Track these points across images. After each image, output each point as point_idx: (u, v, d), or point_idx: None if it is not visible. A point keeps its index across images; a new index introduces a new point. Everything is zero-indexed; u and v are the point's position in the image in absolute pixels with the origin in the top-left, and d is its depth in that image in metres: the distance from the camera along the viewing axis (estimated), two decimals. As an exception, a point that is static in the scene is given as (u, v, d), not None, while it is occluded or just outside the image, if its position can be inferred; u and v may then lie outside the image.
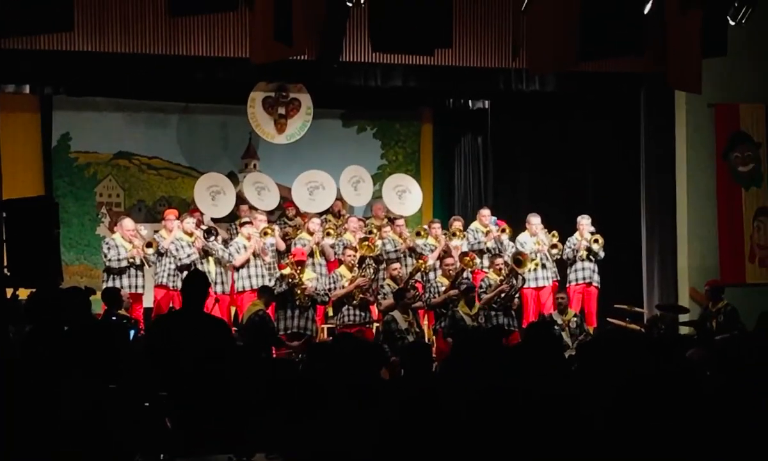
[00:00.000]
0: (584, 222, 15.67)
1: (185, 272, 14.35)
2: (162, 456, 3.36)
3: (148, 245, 14.45)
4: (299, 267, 13.92)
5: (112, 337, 6.78)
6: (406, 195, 17.61)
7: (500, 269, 14.72)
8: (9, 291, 11.53)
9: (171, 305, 14.42)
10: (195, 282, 7.82)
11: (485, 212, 16.21)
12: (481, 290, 14.51)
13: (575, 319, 14.38)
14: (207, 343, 7.20)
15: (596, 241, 15.43)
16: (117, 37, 14.16)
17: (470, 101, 18.43)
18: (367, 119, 18.64)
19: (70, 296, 8.41)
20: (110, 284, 14.02)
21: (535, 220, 15.65)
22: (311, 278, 14.14)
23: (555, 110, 17.26)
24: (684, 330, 14.59)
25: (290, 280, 13.78)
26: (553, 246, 15.53)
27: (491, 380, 6.75)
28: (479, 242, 15.68)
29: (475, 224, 16.01)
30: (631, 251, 16.57)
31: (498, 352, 9.26)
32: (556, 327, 13.62)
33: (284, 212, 17.18)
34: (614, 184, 17.13)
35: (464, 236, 15.72)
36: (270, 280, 14.46)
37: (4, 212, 11.60)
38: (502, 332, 12.94)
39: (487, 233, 15.76)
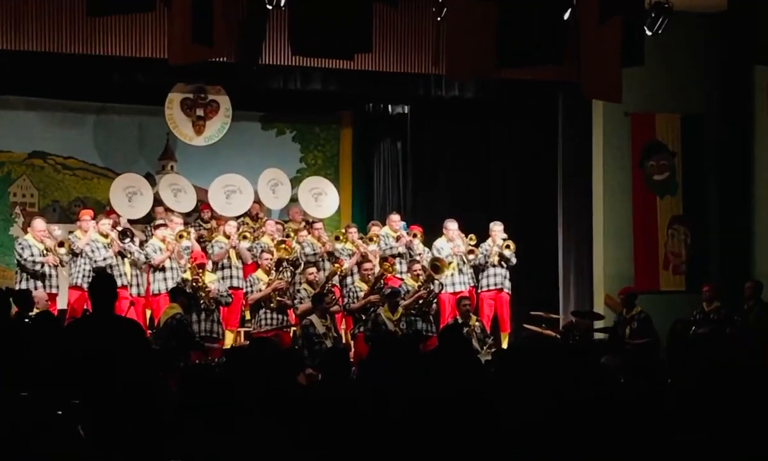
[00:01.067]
0: (496, 228, 15.72)
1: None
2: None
3: (60, 244, 14.27)
4: (200, 270, 13.89)
5: (25, 342, 6.70)
6: (322, 198, 17.60)
7: (418, 275, 14.75)
8: None
9: (85, 307, 14.24)
10: (102, 285, 7.68)
11: (395, 217, 16.26)
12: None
13: (478, 324, 14.42)
14: (120, 347, 7.10)
15: (508, 246, 15.51)
16: (33, 35, 13.93)
17: (390, 106, 18.46)
18: (286, 122, 18.56)
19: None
20: (24, 285, 13.82)
21: (452, 225, 15.71)
22: (213, 281, 14.10)
23: (474, 117, 17.36)
24: (599, 337, 14.73)
25: (193, 284, 13.74)
26: (470, 252, 15.59)
27: (407, 384, 6.77)
28: (390, 247, 15.68)
29: (385, 230, 16.02)
30: (548, 258, 16.70)
31: (414, 357, 9.31)
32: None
33: (200, 215, 17.06)
34: (532, 190, 17.29)
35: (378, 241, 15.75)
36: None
37: None
38: (419, 338, 12.97)
39: (398, 239, 15.77)
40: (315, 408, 6.41)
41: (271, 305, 14.10)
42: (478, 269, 15.75)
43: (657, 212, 16.32)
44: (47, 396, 4.01)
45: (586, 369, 8.10)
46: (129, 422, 6.14)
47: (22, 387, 4.85)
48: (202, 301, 13.68)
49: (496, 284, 15.62)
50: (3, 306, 8.11)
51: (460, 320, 14.05)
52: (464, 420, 5.96)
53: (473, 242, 15.65)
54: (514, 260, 15.59)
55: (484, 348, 13.77)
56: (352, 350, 13.92)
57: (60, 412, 3.59)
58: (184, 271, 14.68)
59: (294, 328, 14.40)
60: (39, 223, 14.47)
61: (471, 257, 15.60)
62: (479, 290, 15.67)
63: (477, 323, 14.33)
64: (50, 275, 14.22)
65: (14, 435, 3.66)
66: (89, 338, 7.15)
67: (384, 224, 16.22)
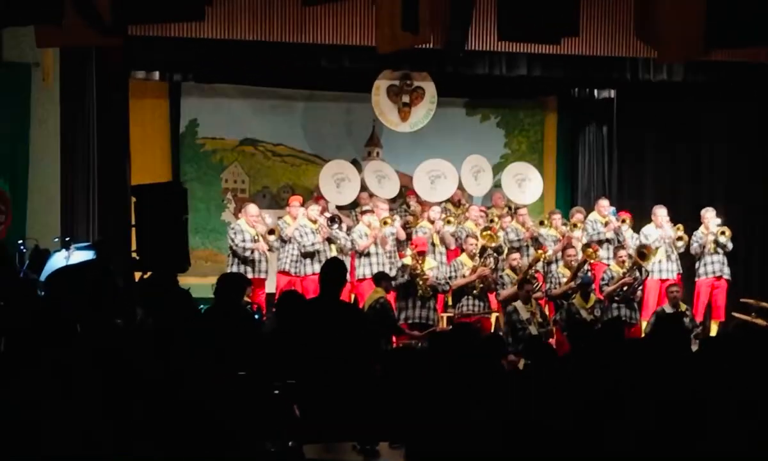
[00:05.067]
0: (708, 215, 15.41)
1: (308, 259, 14.52)
2: (290, 443, 3.42)
3: (271, 231, 14.59)
4: (420, 257, 13.91)
5: (243, 324, 6.92)
6: (526, 183, 17.53)
7: (623, 262, 14.55)
8: (137, 275, 11.82)
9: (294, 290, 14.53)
10: (334, 269, 7.87)
11: (604, 202, 16.06)
12: (603, 283, 14.37)
13: (688, 312, 14.14)
14: (344, 330, 7.27)
15: (723, 233, 15.16)
16: (246, 25, 14.36)
17: (596, 90, 18.23)
18: (491, 108, 18.57)
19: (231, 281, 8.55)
20: (235, 269, 14.17)
21: (660, 212, 15.43)
22: (432, 268, 14.10)
23: (683, 100, 17.00)
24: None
25: (412, 270, 13.78)
26: (679, 239, 15.28)
27: (614, 375, 6.68)
28: (598, 233, 15.52)
29: (593, 215, 15.86)
30: (761, 243, 16.25)
31: (620, 345, 9.18)
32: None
33: (405, 201, 17.22)
34: (742, 175, 16.83)
35: (584, 227, 15.59)
36: (390, 269, 14.49)
37: (134, 197, 11.88)
38: (621, 325, 12.79)
39: (606, 224, 15.59)
40: (516, 394, 6.42)
41: (474, 291, 14.11)
42: (692, 257, 15.44)
43: None
44: (265, 375, 4.16)
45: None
46: (341, 402, 6.31)
47: (240, 366, 5.05)
48: (419, 288, 13.73)
49: (714, 272, 15.29)
50: (238, 289, 8.39)
51: (666, 308, 13.81)
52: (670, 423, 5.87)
53: (681, 231, 15.34)
54: (730, 246, 15.23)
55: (692, 336, 13.49)
56: (554, 337, 13.85)
57: (277, 391, 3.71)
58: (389, 256, 14.84)
59: (496, 314, 14.40)
60: (252, 208, 14.81)
61: (680, 244, 15.29)
62: (696, 278, 15.37)
63: (687, 313, 14.05)
64: (259, 261, 14.55)
65: (233, 414, 3.81)
66: (313, 318, 7.34)
67: (587, 211, 16.06)
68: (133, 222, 11.82)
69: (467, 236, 14.74)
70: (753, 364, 6.90)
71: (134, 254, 11.49)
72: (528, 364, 9.69)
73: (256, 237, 14.42)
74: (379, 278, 13.66)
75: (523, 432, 5.60)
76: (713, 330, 15.04)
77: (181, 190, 11.95)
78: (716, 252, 15.28)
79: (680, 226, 15.38)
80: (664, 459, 5.31)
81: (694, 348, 11.42)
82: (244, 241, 14.34)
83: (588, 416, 5.84)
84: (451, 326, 13.90)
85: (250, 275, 14.01)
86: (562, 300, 14.22)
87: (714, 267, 15.30)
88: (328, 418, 6.27)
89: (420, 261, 13.79)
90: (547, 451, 5.43)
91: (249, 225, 14.52)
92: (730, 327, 14.53)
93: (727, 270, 15.33)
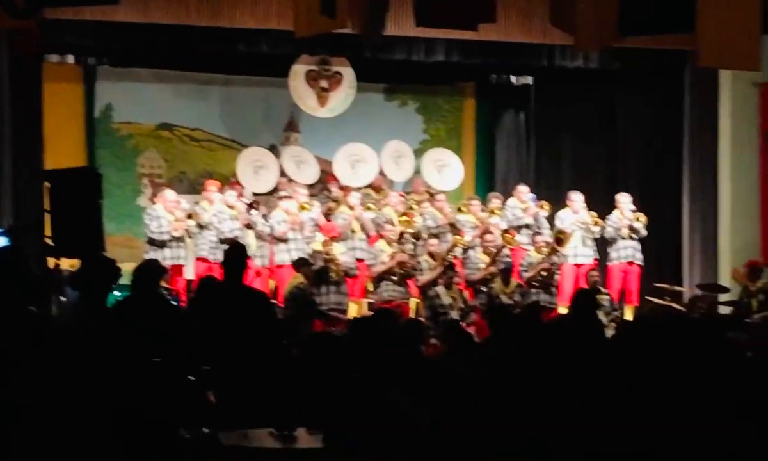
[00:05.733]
0: (623, 200, 15.55)
1: (226, 246, 14.42)
2: (205, 429, 3.38)
3: (188, 216, 14.48)
4: (331, 242, 13.94)
5: (159, 311, 6.86)
6: (446, 170, 17.54)
7: (542, 248, 14.68)
8: (52, 262, 11.66)
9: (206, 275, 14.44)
10: (235, 254, 7.84)
11: (523, 188, 16.14)
12: (523, 269, 14.49)
13: (606, 297, 14.30)
14: (248, 315, 7.24)
15: (638, 219, 15.31)
16: (162, 8, 14.23)
17: (513, 77, 18.33)
18: (409, 94, 18.57)
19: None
20: (152, 255, 14.03)
21: (576, 197, 15.56)
22: (343, 253, 14.16)
23: (599, 87, 17.17)
24: (725, 310, 14.50)
25: (324, 256, 13.80)
26: (595, 223, 15.38)
27: (533, 358, 6.73)
28: (518, 218, 15.61)
29: (512, 201, 15.93)
30: (673, 230, 16.47)
31: (538, 329, 9.25)
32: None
33: (326, 187, 17.16)
34: (657, 162, 17.03)
35: (502, 213, 15.66)
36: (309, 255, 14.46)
37: (48, 182, 11.70)
38: (540, 310, 12.92)
39: (525, 210, 15.69)
40: (440, 380, 6.43)
41: (394, 277, 14.13)
42: (606, 242, 15.58)
43: (785, 184, 15.94)
44: (179, 362, 4.12)
45: (711, 343, 7.97)
46: (256, 388, 6.28)
47: (155, 354, 5.01)
48: (332, 273, 13.73)
49: (627, 257, 15.41)
50: (154, 276, 8.30)
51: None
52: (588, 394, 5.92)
53: (595, 216, 15.45)
54: (644, 232, 15.37)
55: (610, 321, 13.67)
56: (475, 322, 13.93)
57: (192, 378, 3.67)
58: (308, 242, 14.80)
59: (415, 300, 14.44)
60: (170, 193, 14.69)
61: (595, 229, 15.41)
62: (608, 262, 15.51)
63: (605, 297, 14.21)
64: (177, 247, 14.44)
65: (146, 400, 3.77)
66: (219, 304, 7.31)
67: (505, 197, 16.13)
68: (47, 208, 11.65)
69: (385, 222, 14.77)
70: (672, 347, 6.99)
71: (48, 240, 11.34)
72: (446, 349, 9.74)
73: (174, 226, 14.31)
74: (300, 264, 13.64)
75: (437, 417, 5.61)
76: (628, 315, 15.19)
77: (95, 175, 11.84)
78: (630, 238, 15.43)
79: (594, 213, 15.47)
80: (584, 442, 5.34)
81: (612, 332, 11.63)
82: (160, 226, 14.22)
83: (507, 400, 5.86)
84: (371, 312, 13.92)
85: (168, 262, 13.89)
86: (482, 286, 14.30)
87: (627, 252, 15.44)
88: (245, 405, 6.25)
89: (331, 246, 13.83)
90: (465, 436, 5.44)
91: (167, 211, 14.39)
92: (646, 311, 14.76)
93: (639, 256, 15.46)
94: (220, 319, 7.16)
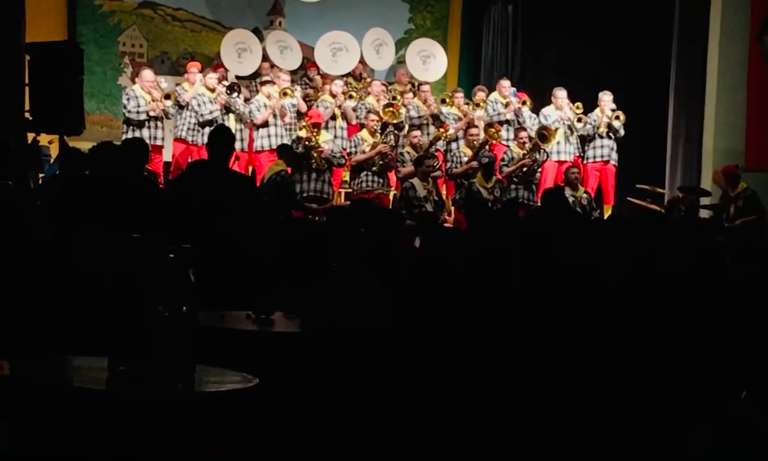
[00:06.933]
0: (605, 98, 15.42)
1: (206, 128, 14.33)
2: (184, 308, 3.36)
3: (167, 96, 14.35)
4: (315, 129, 13.82)
5: (141, 189, 6.80)
6: (431, 60, 17.40)
7: (524, 143, 14.61)
8: (30, 136, 11.55)
9: (190, 160, 14.39)
10: (221, 137, 7.77)
11: (505, 83, 15.99)
12: (503, 163, 14.43)
13: (586, 195, 14.26)
14: (233, 198, 7.21)
15: (617, 118, 15.21)
16: None
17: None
18: (396, -19, 18.40)
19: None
20: (130, 135, 13.92)
21: (561, 93, 15.44)
22: (327, 141, 14.05)
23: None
24: (705, 214, 14.53)
25: (307, 142, 13.70)
26: (579, 119, 15.29)
27: (507, 249, 6.72)
28: (498, 114, 15.48)
29: (494, 95, 15.79)
30: (657, 131, 16.41)
31: (514, 223, 9.27)
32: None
33: (306, 73, 17.01)
34: (645, 61, 16.90)
35: (485, 107, 15.56)
36: (288, 141, 14.36)
37: (28, 55, 11.51)
38: (517, 206, 12.92)
39: (506, 105, 15.56)
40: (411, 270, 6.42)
41: (374, 168, 14.07)
42: (585, 140, 15.52)
43: (772, 88, 15.85)
44: (159, 239, 4.08)
45: (690, 244, 8.00)
46: (235, 270, 6.26)
47: (134, 229, 4.97)
48: (313, 160, 13.64)
49: (602, 156, 15.34)
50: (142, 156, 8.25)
51: (567, 190, 13.92)
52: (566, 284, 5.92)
53: (580, 111, 15.37)
54: (622, 132, 15.28)
55: (591, 218, 13.66)
56: (452, 215, 13.92)
57: (172, 255, 3.62)
58: (288, 129, 14.70)
59: (394, 192, 14.40)
60: (148, 73, 14.53)
61: (579, 125, 15.31)
62: (585, 161, 15.45)
63: (584, 195, 14.17)
64: (156, 127, 14.34)
65: (126, 277, 3.73)
66: (204, 187, 7.26)
67: (489, 90, 16.02)
68: (27, 81, 11.48)
69: (368, 111, 14.66)
70: (648, 241, 7.03)
71: (27, 115, 11.20)
72: (421, 240, 9.75)
73: (151, 106, 14.19)
74: (282, 151, 13.56)
75: (414, 307, 5.62)
76: (607, 214, 15.21)
77: (77, 50, 11.62)
78: (607, 136, 15.35)
79: (579, 105, 15.37)
80: (559, 328, 5.37)
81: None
82: (138, 106, 14.11)
83: (481, 292, 5.87)
84: (349, 202, 13.90)
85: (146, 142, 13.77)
86: (463, 180, 14.25)
87: (603, 151, 15.35)
88: (224, 286, 6.24)
89: (315, 133, 13.72)
90: (438, 324, 5.46)
91: (144, 91, 14.27)
92: (626, 211, 14.78)
93: (615, 156, 15.37)
94: (205, 200, 7.12)
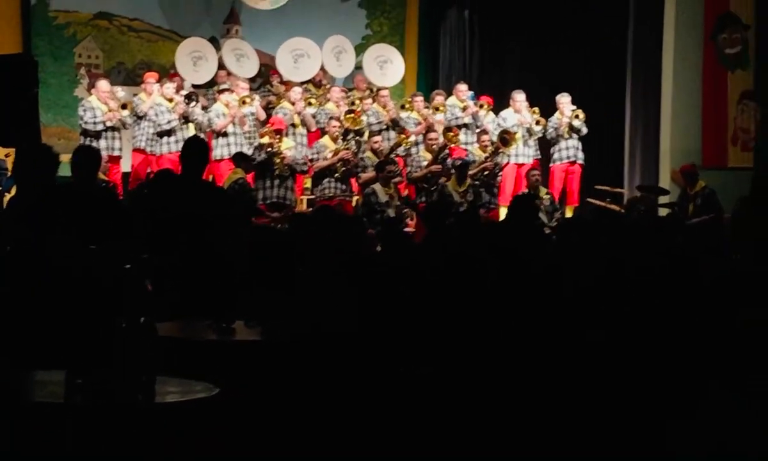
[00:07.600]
0: (564, 100, 15.50)
1: (164, 138, 14.28)
2: (142, 319, 3.33)
3: (123, 106, 14.29)
4: (278, 136, 13.79)
5: (97, 199, 6.74)
6: (388, 66, 17.41)
7: (486, 147, 14.66)
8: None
9: (149, 170, 14.33)
10: (195, 148, 7.71)
11: (462, 87, 16.03)
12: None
13: (548, 197, 14.34)
14: (208, 210, 7.16)
15: (577, 116, 15.27)
16: None
17: (458, -28, 18.18)
18: (352, -12, 18.39)
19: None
20: (87, 146, 13.85)
21: (519, 96, 15.51)
22: (290, 147, 14.02)
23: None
24: (663, 212, 14.61)
25: (269, 149, 13.67)
26: (537, 122, 15.34)
27: (472, 253, 6.75)
28: (456, 118, 15.50)
29: (451, 99, 15.81)
30: (615, 132, 16.50)
31: (476, 227, 9.28)
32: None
33: (267, 80, 16.96)
34: (601, 62, 17.00)
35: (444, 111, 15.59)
36: (249, 149, 14.32)
37: (-18, 68, 11.41)
38: (477, 210, 12.97)
39: (464, 109, 15.58)
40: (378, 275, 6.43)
41: (336, 174, 14.06)
42: (548, 143, 15.57)
43: (727, 87, 15.97)
44: (117, 249, 4.04)
45: (649, 243, 8.05)
46: (196, 280, 6.23)
47: (92, 240, 4.92)
48: (276, 167, 13.61)
49: (569, 157, 15.41)
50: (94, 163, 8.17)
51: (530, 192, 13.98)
52: (527, 289, 5.95)
53: (537, 115, 15.42)
54: (584, 130, 15.34)
55: (552, 221, 13.73)
56: (413, 220, 13.92)
57: (129, 266, 3.60)
58: (248, 137, 14.66)
59: (357, 197, 14.39)
60: (104, 84, 14.45)
61: (537, 128, 15.38)
62: (551, 163, 15.51)
63: (546, 196, 14.25)
64: (113, 138, 14.27)
65: (83, 287, 3.71)
66: (177, 198, 7.21)
67: (447, 94, 16.04)
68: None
69: (330, 118, 14.64)
70: (607, 243, 7.06)
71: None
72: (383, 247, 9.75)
73: (107, 116, 14.11)
74: (239, 159, 13.53)
75: (380, 312, 5.62)
76: (568, 215, 15.27)
77: (31, 62, 11.52)
78: (570, 137, 15.42)
79: (536, 109, 15.44)
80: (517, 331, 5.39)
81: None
82: (95, 117, 14.04)
83: (442, 296, 5.88)
84: (311, 208, 13.87)
85: (104, 153, 13.70)
86: (423, 184, 14.26)
87: (569, 152, 15.43)
88: (184, 296, 6.21)
89: (277, 140, 13.69)
90: (402, 331, 5.46)
91: (101, 101, 14.20)
92: (586, 212, 14.84)
93: (581, 155, 15.46)
94: (178, 211, 7.07)
